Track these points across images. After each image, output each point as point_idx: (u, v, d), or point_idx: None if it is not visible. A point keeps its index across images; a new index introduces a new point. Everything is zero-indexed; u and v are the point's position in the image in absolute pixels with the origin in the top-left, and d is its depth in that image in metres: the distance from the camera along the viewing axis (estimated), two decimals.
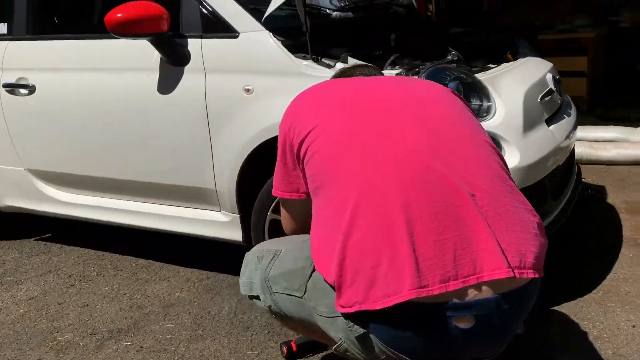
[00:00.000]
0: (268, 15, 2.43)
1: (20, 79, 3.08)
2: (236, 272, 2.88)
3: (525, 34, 4.08)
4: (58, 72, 2.99)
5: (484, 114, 2.31)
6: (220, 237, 2.75)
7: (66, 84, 2.95)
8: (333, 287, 1.44)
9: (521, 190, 1.57)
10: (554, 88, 2.72)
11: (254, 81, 2.46)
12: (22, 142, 3.20)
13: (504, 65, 2.70)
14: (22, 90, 3.07)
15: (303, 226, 1.81)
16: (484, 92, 2.35)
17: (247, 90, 2.46)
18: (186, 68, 2.60)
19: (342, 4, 3.14)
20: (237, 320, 2.54)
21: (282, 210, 1.86)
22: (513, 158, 2.23)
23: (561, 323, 2.34)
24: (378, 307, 1.34)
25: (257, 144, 2.46)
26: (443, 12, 6.93)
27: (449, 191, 1.40)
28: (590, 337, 2.22)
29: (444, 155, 1.46)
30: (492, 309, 1.36)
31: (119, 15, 2.44)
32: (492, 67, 2.64)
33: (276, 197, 2.21)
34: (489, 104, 2.34)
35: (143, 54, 2.68)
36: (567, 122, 2.73)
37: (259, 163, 2.49)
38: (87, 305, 2.81)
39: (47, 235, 3.80)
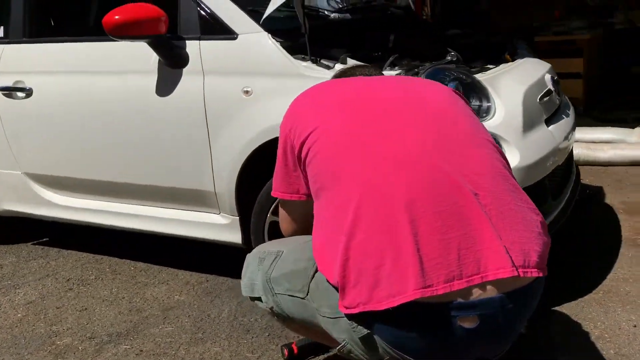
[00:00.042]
0: (266, 17, 2.42)
1: (17, 82, 3.06)
2: (235, 274, 2.90)
3: (522, 36, 4.09)
4: (55, 75, 2.97)
5: (484, 114, 2.31)
6: (220, 239, 2.74)
7: (63, 87, 2.93)
8: (336, 288, 1.44)
9: None
10: (552, 88, 2.72)
11: (252, 83, 2.45)
12: (19, 145, 3.18)
13: (502, 65, 2.70)
14: (19, 94, 3.06)
15: (302, 228, 1.80)
16: (483, 93, 2.35)
17: (246, 92, 2.45)
18: (184, 70, 2.59)
19: (340, 6, 3.14)
20: (237, 323, 2.53)
21: (281, 211, 1.85)
22: (513, 158, 2.23)
23: (562, 323, 2.33)
24: (382, 307, 1.33)
25: (256, 145, 2.45)
26: (438, 15, 6.95)
27: (452, 190, 1.40)
28: (592, 337, 2.21)
29: (446, 155, 1.46)
30: (496, 308, 1.36)
31: (116, 17, 2.43)
32: (491, 68, 2.64)
33: (276, 199, 2.21)
34: (488, 104, 2.34)
35: (141, 56, 2.67)
36: (565, 122, 2.73)
37: (258, 165, 2.48)
38: (86, 309, 2.79)
39: (44, 239, 3.78)
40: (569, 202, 2.72)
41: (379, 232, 1.37)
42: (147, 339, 2.47)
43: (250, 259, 1.80)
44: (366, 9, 3.33)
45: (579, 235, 3.14)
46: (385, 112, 1.57)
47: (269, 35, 2.45)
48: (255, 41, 2.47)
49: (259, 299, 1.74)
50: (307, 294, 1.58)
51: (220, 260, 3.13)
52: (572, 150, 2.94)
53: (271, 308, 1.71)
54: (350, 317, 1.43)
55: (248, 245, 2.61)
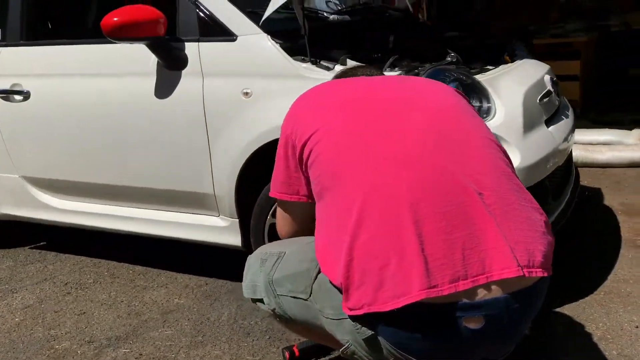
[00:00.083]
0: (265, 19, 2.42)
1: (14, 85, 3.05)
2: (235, 277, 2.91)
3: (520, 38, 4.09)
4: (53, 77, 2.96)
5: (484, 115, 2.30)
6: (219, 242, 2.73)
7: (61, 90, 2.92)
8: (339, 289, 1.43)
9: None
10: (552, 89, 2.72)
11: (252, 84, 2.44)
12: (16, 148, 3.17)
13: (502, 67, 2.70)
14: (17, 97, 3.04)
15: (300, 229, 1.79)
16: (483, 93, 2.35)
17: (246, 94, 2.44)
18: (183, 72, 2.58)
19: (339, 8, 3.14)
20: (238, 326, 2.51)
21: (279, 212, 1.83)
22: (514, 159, 2.21)
23: (564, 324, 2.33)
24: (387, 308, 1.32)
25: (256, 147, 2.44)
26: (434, 18, 6.96)
27: (456, 190, 1.39)
28: (595, 338, 2.21)
29: (449, 154, 1.45)
30: (501, 308, 1.35)
31: (115, 19, 2.42)
32: (491, 69, 2.63)
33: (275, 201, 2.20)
34: (488, 105, 2.33)
35: (139, 58, 2.66)
36: (565, 123, 2.73)
37: (258, 167, 2.47)
38: (84, 313, 2.77)
39: (42, 243, 3.76)
40: (569, 203, 2.71)
41: (383, 232, 1.36)
42: (147, 342, 2.45)
43: (252, 260, 1.79)
44: (365, 11, 3.32)
45: (579, 236, 3.13)
46: (386, 112, 1.57)
47: (269, 36, 2.44)
48: (254, 43, 2.46)
49: (261, 300, 1.72)
50: (310, 295, 1.57)
51: (219, 263, 3.12)
52: (571, 151, 2.94)
53: (273, 310, 1.69)
54: (354, 318, 1.42)
55: (248, 247, 2.60)
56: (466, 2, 7.09)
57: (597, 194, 3.83)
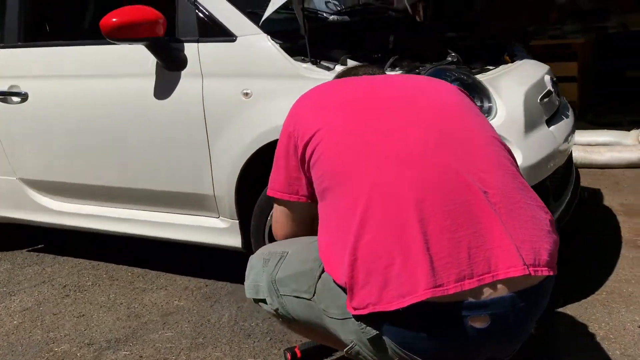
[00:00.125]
0: (265, 19, 2.40)
1: (12, 86, 3.03)
2: (235, 279, 2.90)
3: (517, 39, 4.09)
4: (51, 79, 2.94)
5: (485, 115, 2.30)
6: (219, 243, 2.71)
7: (59, 91, 2.90)
8: (343, 289, 1.42)
9: None
10: (552, 89, 2.71)
11: (252, 85, 2.43)
12: (14, 150, 3.15)
13: (502, 67, 2.69)
14: (15, 98, 3.03)
15: (296, 230, 1.77)
16: (484, 93, 2.34)
17: (246, 94, 2.43)
18: (183, 73, 2.57)
19: (338, 8, 3.13)
20: (238, 327, 2.50)
21: (276, 212, 1.79)
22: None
23: (566, 324, 2.32)
24: (392, 308, 1.31)
25: (256, 148, 2.43)
26: (430, 19, 6.96)
27: (461, 189, 1.38)
28: (597, 338, 2.20)
29: (453, 153, 1.44)
30: (507, 307, 1.34)
31: (114, 19, 2.41)
32: (491, 69, 2.63)
33: None
34: (489, 104, 2.33)
35: (138, 59, 2.64)
36: (566, 123, 2.72)
37: (258, 167, 2.45)
38: (84, 315, 2.75)
39: (39, 246, 3.74)
40: (570, 204, 2.71)
41: (387, 231, 1.35)
42: (147, 344, 2.44)
43: (254, 260, 1.77)
44: (365, 11, 3.32)
45: (579, 236, 3.13)
46: (388, 111, 1.56)
47: (269, 36, 2.43)
48: (254, 43, 2.45)
49: (264, 300, 1.70)
50: (314, 295, 1.56)
51: (218, 265, 3.11)
52: (571, 151, 2.93)
53: (276, 310, 1.68)
54: (358, 318, 1.40)
55: (248, 249, 2.58)
56: (464, 3, 7.09)
57: (596, 194, 3.83)
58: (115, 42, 2.49)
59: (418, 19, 6.43)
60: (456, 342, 1.36)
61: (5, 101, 3.05)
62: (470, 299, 1.32)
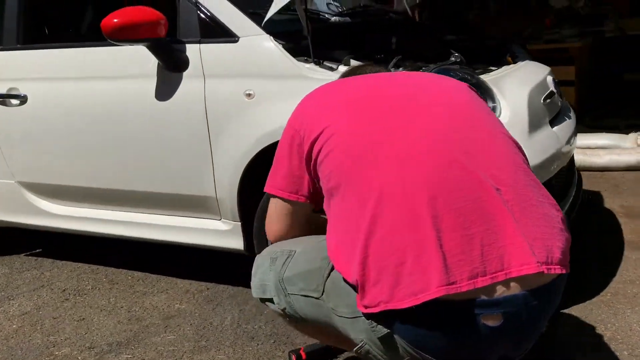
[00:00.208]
0: (267, 20, 2.39)
1: (11, 89, 3.01)
2: (236, 282, 2.89)
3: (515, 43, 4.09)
4: (50, 81, 2.92)
5: None
6: (221, 246, 2.69)
7: (59, 93, 2.88)
8: (353, 287, 1.40)
9: None
10: (554, 90, 2.71)
11: (254, 85, 2.41)
12: (13, 153, 3.12)
13: (505, 67, 2.69)
14: (13, 101, 3.00)
15: (290, 230, 1.74)
16: (488, 93, 2.33)
17: (248, 95, 2.42)
18: (185, 74, 2.55)
19: (340, 10, 3.12)
20: (241, 330, 2.47)
21: (272, 210, 1.75)
22: None
23: (573, 325, 2.30)
24: (405, 305, 1.29)
25: (259, 149, 2.41)
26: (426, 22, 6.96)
27: (474, 186, 1.36)
28: (605, 339, 2.18)
29: (465, 150, 1.43)
30: (520, 305, 1.32)
31: (115, 20, 2.39)
32: (494, 70, 2.62)
33: None
34: (493, 104, 2.32)
35: (139, 60, 2.63)
36: (568, 124, 2.72)
37: (261, 169, 2.43)
38: (84, 319, 2.72)
39: (37, 250, 3.71)
40: (573, 205, 2.70)
41: (400, 228, 1.33)
42: (149, 347, 2.41)
43: (261, 260, 1.75)
44: (366, 13, 3.31)
45: (581, 238, 3.12)
46: (397, 108, 1.53)
47: (271, 37, 2.42)
48: (257, 44, 2.44)
49: (271, 300, 1.68)
50: (322, 294, 1.54)
51: (219, 268, 3.09)
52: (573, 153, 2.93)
53: (283, 309, 1.65)
54: (369, 316, 1.39)
55: (250, 251, 2.56)
56: (460, 7, 7.10)
57: (596, 197, 3.83)
58: (117, 43, 2.47)
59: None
60: (468, 341, 1.34)
61: (4, 104, 3.03)
62: (483, 297, 1.30)
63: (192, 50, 2.54)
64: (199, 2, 2.52)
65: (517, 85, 2.46)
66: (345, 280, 1.43)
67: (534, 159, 2.26)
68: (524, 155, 1.54)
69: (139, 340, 2.47)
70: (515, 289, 1.32)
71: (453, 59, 2.50)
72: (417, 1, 3.87)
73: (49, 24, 3.40)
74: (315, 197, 1.67)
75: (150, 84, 2.61)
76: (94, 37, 2.70)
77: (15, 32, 3.07)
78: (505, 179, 1.40)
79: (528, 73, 2.69)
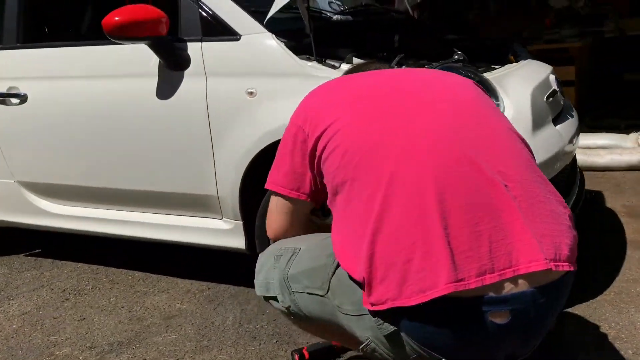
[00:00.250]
0: (269, 18, 2.38)
1: (11, 88, 3.00)
2: (237, 282, 2.88)
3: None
4: (51, 80, 2.91)
5: None
6: (222, 245, 2.67)
7: (59, 92, 2.87)
8: (359, 284, 1.39)
9: None
10: (557, 89, 2.70)
11: (257, 84, 2.40)
12: (12, 153, 3.11)
13: (507, 66, 2.68)
14: (13, 100, 2.99)
15: (290, 227, 1.73)
16: (491, 91, 2.32)
17: (250, 93, 2.41)
18: (186, 72, 2.54)
19: (342, 8, 3.12)
20: (243, 330, 2.46)
21: (272, 206, 1.74)
22: None
23: (577, 324, 2.29)
24: (413, 302, 1.28)
25: (261, 147, 2.40)
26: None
27: (482, 182, 1.35)
28: (609, 338, 2.17)
29: (472, 145, 1.41)
30: (528, 303, 1.31)
31: (116, 18, 2.38)
32: (497, 68, 2.61)
33: None
34: (497, 102, 2.30)
35: (140, 58, 2.62)
36: (571, 122, 2.71)
37: (262, 167, 2.42)
38: (84, 318, 2.71)
39: (37, 250, 3.69)
40: (576, 203, 2.69)
41: (407, 225, 1.32)
42: (150, 347, 2.40)
43: (264, 257, 1.74)
44: (368, 12, 3.30)
45: (584, 237, 3.10)
46: (406, 105, 1.51)
47: (273, 35, 2.41)
48: (259, 42, 2.43)
49: (274, 298, 1.67)
50: (328, 292, 1.52)
51: (220, 267, 3.08)
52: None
53: (287, 307, 1.64)
54: (375, 313, 1.37)
55: (252, 250, 2.55)
56: (460, 7, 7.10)
57: (598, 196, 3.82)
58: (118, 41, 2.46)
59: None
60: (476, 338, 1.33)
61: (4, 103, 3.02)
62: (491, 294, 1.29)
63: (193, 49, 2.53)
64: (200, 0, 2.51)
65: (520, 84, 2.45)
66: (351, 278, 1.42)
67: (538, 157, 2.21)
68: (531, 151, 1.53)
69: (140, 340, 2.46)
70: (523, 286, 1.31)
71: (456, 57, 2.49)
72: (418, 0, 3.85)
73: (49, 22, 3.39)
74: (317, 195, 1.66)
75: (152, 83, 2.60)
76: (95, 35, 2.69)
77: (15, 31, 3.06)
78: (512, 175, 1.38)
79: (531, 72, 2.68)
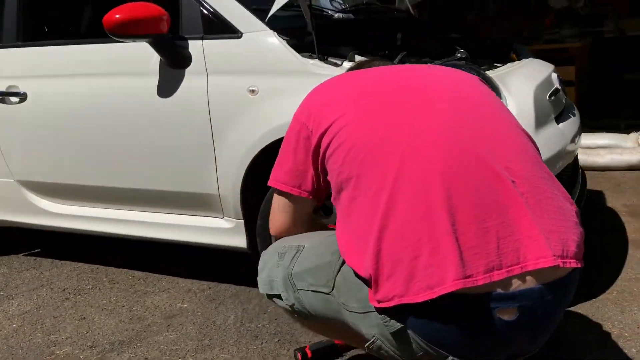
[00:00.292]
0: (270, 16, 2.37)
1: (10, 87, 2.98)
2: (238, 281, 2.87)
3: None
4: (51, 78, 2.89)
5: None
6: (224, 244, 2.66)
7: (59, 91, 2.85)
8: (365, 281, 1.37)
9: None
10: (559, 87, 2.70)
11: (258, 82, 2.39)
12: (12, 152, 3.09)
13: (509, 64, 2.68)
14: (13, 99, 2.97)
15: (292, 225, 1.72)
16: (494, 89, 2.31)
17: (252, 92, 2.39)
18: (187, 70, 2.52)
19: (343, 7, 3.11)
20: (245, 329, 2.45)
21: (275, 204, 1.73)
22: None
23: (579, 323, 2.28)
24: (420, 299, 1.27)
25: (262, 145, 2.38)
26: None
27: (489, 178, 1.34)
28: (613, 337, 2.16)
29: (480, 141, 1.40)
30: (535, 299, 1.30)
31: (117, 16, 2.36)
32: (499, 66, 2.61)
33: None
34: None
35: (141, 57, 2.60)
36: (573, 121, 2.71)
37: (264, 165, 2.41)
38: (85, 318, 2.69)
39: (36, 250, 3.68)
40: (578, 202, 2.68)
41: (414, 221, 1.31)
42: (152, 346, 2.38)
43: (268, 255, 1.72)
44: (369, 10, 3.29)
45: (586, 238, 3.09)
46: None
47: (275, 33, 2.40)
48: (261, 40, 2.42)
49: (278, 296, 1.66)
50: (333, 289, 1.51)
51: (221, 266, 3.07)
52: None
53: (292, 305, 1.62)
54: (381, 311, 1.36)
55: (254, 249, 2.54)
56: (460, 7, 7.10)
57: (599, 196, 3.82)
58: (118, 39, 2.44)
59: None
60: (484, 335, 1.32)
61: (3, 101, 3.00)
62: (499, 290, 1.28)
63: (194, 47, 2.52)
64: None
65: (522, 82, 2.44)
66: (356, 275, 1.41)
67: (541, 155, 2.25)
68: (537, 147, 1.53)
69: (142, 339, 2.44)
70: (531, 282, 1.30)
71: (458, 55, 2.48)
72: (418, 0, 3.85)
73: (49, 21, 3.38)
74: (319, 193, 1.65)
75: (152, 81, 2.59)
76: (95, 33, 2.67)
77: (14, 29, 3.05)
78: (519, 171, 1.37)
79: (533, 70, 2.68)
